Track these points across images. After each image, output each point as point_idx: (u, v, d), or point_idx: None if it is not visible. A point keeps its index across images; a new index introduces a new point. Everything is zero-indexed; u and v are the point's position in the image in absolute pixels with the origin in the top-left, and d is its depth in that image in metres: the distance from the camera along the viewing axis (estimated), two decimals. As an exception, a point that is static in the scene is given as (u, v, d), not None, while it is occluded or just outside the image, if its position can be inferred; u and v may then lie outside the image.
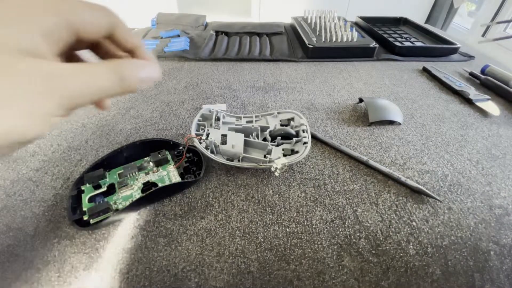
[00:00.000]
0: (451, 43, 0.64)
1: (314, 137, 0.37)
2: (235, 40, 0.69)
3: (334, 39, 0.63)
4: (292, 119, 0.37)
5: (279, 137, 0.34)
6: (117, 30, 0.17)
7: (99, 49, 0.19)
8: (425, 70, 0.57)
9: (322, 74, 0.55)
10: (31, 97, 0.12)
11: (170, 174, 0.30)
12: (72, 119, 0.40)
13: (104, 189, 0.28)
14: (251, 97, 0.47)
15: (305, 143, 0.32)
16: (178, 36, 0.70)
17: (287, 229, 0.26)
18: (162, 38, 0.69)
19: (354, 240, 0.26)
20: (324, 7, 0.82)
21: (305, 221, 0.27)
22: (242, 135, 0.33)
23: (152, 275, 0.23)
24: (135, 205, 0.26)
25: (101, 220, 0.25)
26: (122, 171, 0.30)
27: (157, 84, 0.50)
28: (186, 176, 0.30)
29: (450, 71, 0.56)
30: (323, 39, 0.62)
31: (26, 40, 0.12)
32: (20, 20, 0.13)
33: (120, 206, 0.27)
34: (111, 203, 0.27)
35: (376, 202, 0.29)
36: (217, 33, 0.73)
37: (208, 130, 0.33)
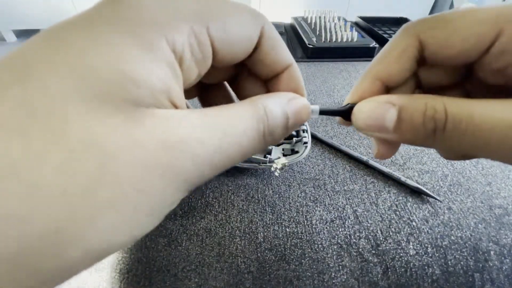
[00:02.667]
0: (451, 43, 0.64)
1: (314, 137, 0.37)
2: (235, 40, 0.69)
3: (334, 39, 0.63)
4: (292, 119, 0.37)
5: (279, 137, 0.34)
6: (263, 42, 0.12)
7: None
8: (425, 70, 0.57)
9: (322, 74, 0.55)
10: (145, 190, 0.08)
11: (170, 174, 0.30)
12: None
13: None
14: (251, 97, 0.47)
15: (305, 143, 0.32)
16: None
17: (287, 229, 0.26)
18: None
19: (354, 240, 0.26)
20: (324, 7, 0.82)
21: (305, 221, 0.27)
22: (242, 135, 0.33)
23: (152, 275, 0.23)
24: (135, 205, 0.26)
25: (101, 220, 0.25)
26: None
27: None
28: (186, 176, 0.30)
29: (450, 71, 0.56)
30: (323, 39, 0.62)
31: (145, 79, 0.08)
32: (136, 39, 0.08)
33: (120, 206, 0.27)
34: (111, 203, 0.27)
35: (376, 202, 0.29)
36: (217, 33, 0.73)
37: (208, 130, 0.33)
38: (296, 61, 0.58)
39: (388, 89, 0.14)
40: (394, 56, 0.13)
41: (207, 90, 0.16)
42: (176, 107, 0.10)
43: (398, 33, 0.13)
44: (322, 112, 0.15)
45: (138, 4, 0.09)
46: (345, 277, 0.23)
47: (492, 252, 0.25)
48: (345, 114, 0.14)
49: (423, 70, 0.14)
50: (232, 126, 0.10)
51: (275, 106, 0.11)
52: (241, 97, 0.16)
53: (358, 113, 0.13)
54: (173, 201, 0.09)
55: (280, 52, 0.13)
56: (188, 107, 0.12)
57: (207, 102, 0.17)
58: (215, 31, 0.10)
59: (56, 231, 0.07)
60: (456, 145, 0.10)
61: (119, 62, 0.08)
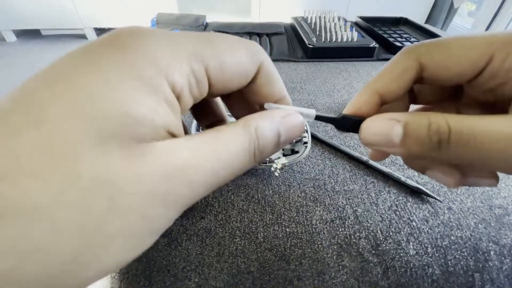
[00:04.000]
0: (451, 43, 0.64)
1: (314, 137, 0.37)
2: (235, 40, 0.69)
3: (334, 39, 0.63)
4: (292, 119, 0.37)
5: (279, 137, 0.34)
6: (260, 77, 0.13)
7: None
8: (425, 70, 0.57)
9: (322, 74, 0.55)
10: (149, 216, 0.09)
11: (170, 174, 0.30)
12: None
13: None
14: (251, 97, 0.47)
15: (305, 143, 0.32)
16: (178, 36, 0.70)
17: (287, 229, 0.26)
18: (162, 38, 0.69)
19: (354, 240, 0.26)
20: (324, 7, 0.82)
21: (305, 221, 0.27)
22: (242, 135, 0.33)
23: (152, 275, 0.23)
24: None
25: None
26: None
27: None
28: (186, 176, 0.30)
29: (450, 71, 0.56)
30: (323, 39, 0.62)
31: (148, 109, 0.09)
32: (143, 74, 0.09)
33: (120, 206, 0.27)
34: (111, 203, 0.27)
35: (376, 202, 0.29)
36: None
37: (208, 130, 0.33)
38: (296, 61, 0.58)
39: (383, 103, 0.15)
40: (394, 75, 0.14)
41: (200, 103, 0.18)
42: (174, 136, 0.11)
43: (399, 54, 0.14)
44: (318, 118, 0.15)
45: (139, 45, 0.10)
46: (345, 277, 0.23)
47: (492, 252, 0.25)
48: (339, 122, 0.15)
49: (418, 87, 0.16)
50: (225, 151, 0.11)
51: (267, 126, 0.12)
52: (232, 111, 0.17)
53: (366, 129, 0.13)
54: (171, 220, 0.10)
55: (274, 87, 0.14)
56: (186, 131, 0.13)
57: (199, 114, 0.18)
58: (213, 69, 0.11)
59: (74, 258, 0.08)
60: (460, 155, 0.11)
61: (123, 104, 0.09)
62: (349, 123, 0.15)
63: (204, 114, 0.18)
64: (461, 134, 0.11)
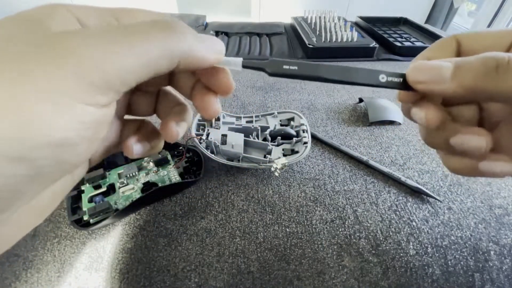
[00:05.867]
0: (451, 43, 0.64)
1: (314, 137, 0.37)
2: (235, 40, 0.69)
3: (334, 39, 0.63)
4: (292, 119, 0.37)
5: (279, 137, 0.34)
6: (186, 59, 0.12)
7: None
8: (425, 70, 0.57)
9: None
10: (37, 77, 0.08)
11: (170, 174, 0.30)
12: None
13: (104, 189, 0.28)
14: (251, 97, 0.47)
15: (305, 143, 0.32)
16: (178, 36, 0.70)
17: (287, 229, 0.26)
18: (162, 38, 0.69)
19: (354, 240, 0.26)
20: (324, 7, 0.82)
21: (305, 221, 0.27)
22: (242, 135, 0.33)
23: (152, 275, 0.23)
24: (135, 205, 0.26)
25: (101, 220, 0.25)
26: (122, 171, 0.30)
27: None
28: (186, 176, 0.30)
29: (450, 71, 0.56)
30: (323, 39, 0.62)
31: None
32: None
33: (120, 206, 0.27)
34: (111, 203, 0.27)
35: (376, 202, 0.29)
36: (217, 33, 0.73)
37: (208, 130, 0.33)
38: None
39: None
40: (437, 46, 0.16)
41: (159, 102, 0.18)
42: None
43: (441, 38, 0.16)
44: (246, 66, 0.14)
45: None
46: (345, 277, 0.23)
47: (492, 252, 0.25)
48: (268, 67, 0.14)
49: None
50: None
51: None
52: (179, 90, 0.17)
53: (415, 67, 0.14)
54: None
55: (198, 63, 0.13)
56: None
57: (161, 112, 0.18)
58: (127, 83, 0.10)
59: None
60: None
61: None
62: (278, 67, 0.14)
63: (166, 109, 0.18)
64: None
